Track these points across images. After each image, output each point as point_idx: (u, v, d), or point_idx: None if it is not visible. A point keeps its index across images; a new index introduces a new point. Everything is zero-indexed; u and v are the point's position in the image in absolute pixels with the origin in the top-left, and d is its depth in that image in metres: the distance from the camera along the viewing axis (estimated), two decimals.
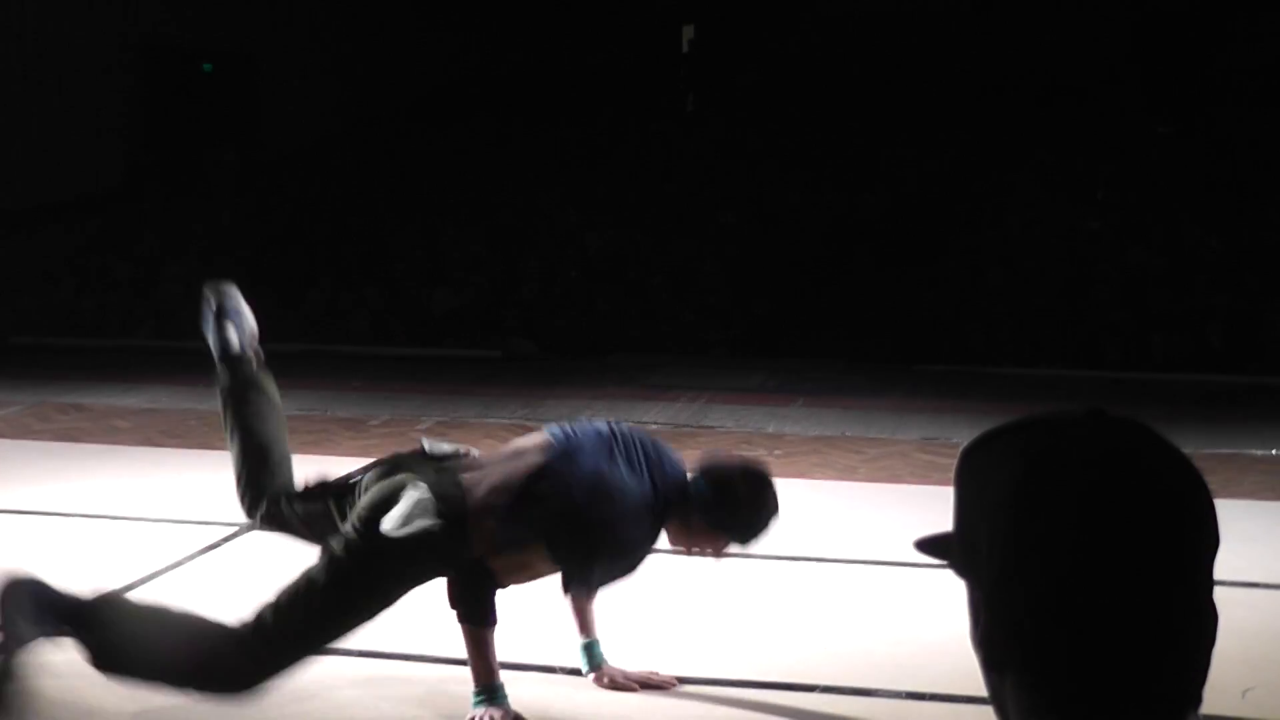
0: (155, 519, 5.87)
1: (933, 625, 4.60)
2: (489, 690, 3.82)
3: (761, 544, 5.53)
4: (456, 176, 10.36)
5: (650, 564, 5.36)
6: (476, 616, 3.79)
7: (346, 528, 3.80)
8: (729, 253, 9.78)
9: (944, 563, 1.37)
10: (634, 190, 10.11)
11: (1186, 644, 1.23)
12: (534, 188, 10.09)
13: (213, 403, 8.36)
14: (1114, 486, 1.23)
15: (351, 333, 9.89)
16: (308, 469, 4.20)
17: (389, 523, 3.74)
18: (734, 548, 3.98)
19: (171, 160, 12.17)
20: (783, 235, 9.84)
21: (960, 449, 1.34)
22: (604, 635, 4.61)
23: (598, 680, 4.17)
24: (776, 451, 7.16)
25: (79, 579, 5.04)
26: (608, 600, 4.96)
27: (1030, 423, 1.30)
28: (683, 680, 4.26)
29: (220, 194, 11.12)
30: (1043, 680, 1.24)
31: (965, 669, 1.52)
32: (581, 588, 4.09)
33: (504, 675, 4.23)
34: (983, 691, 1.33)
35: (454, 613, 3.81)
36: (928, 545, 1.37)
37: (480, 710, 3.80)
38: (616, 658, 4.38)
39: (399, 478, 3.85)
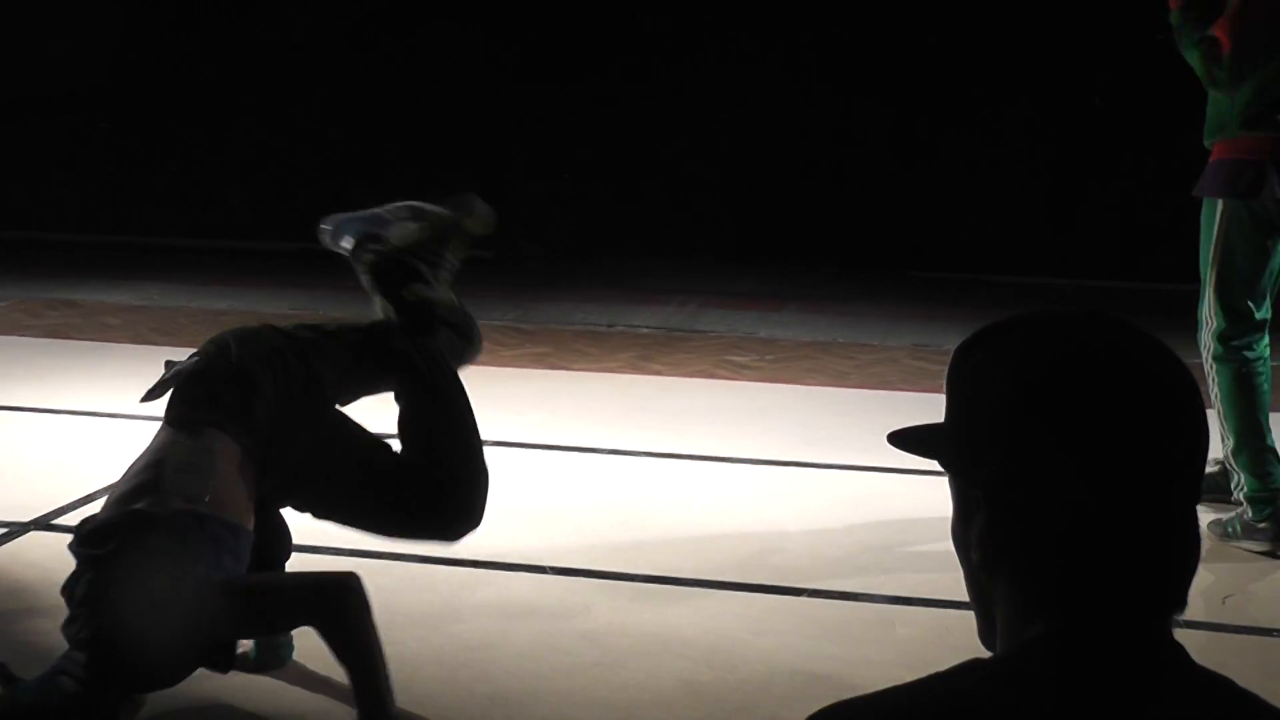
0: (146, 417, 5.86)
1: (920, 531, 4.63)
2: None
3: (750, 448, 5.56)
4: (446, 77, 10.28)
5: (637, 468, 5.39)
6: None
7: None
8: (721, 156, 9.73)
9: (921, 458, 1.35)
10: (625, 92, 10.04)
11: (1179, 548, 1.24)
12: (525, 89, 10.02)
13: (204, 300, 8.39)
14: (1118, 388, 1.23)
15: None
16: None
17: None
18: None
19: (160, 54, 12.06)
20: (776, 139, 9.79)
21: (956, 347, 1.33)
22: (598, 537, 4.63)
23: None
24: (769, 356, 7.17)
25: (72, 476, 5.06)
26: (595, 502, 4.98)
27: (1027, 320, 1.29)
28: (672, 581, 4.29)
29: (211, 89, 11.03)
30: (1037, 579, 1.24)
31: (952, 574, 1.52)
32: None
33: (491, 574, 4.26)
34: (966, 598, 1.34)
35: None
36: (904, 440, 1.34)
37: None
38: (614, 558, 4.41)
39: None
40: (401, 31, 10.22)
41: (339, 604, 3.25)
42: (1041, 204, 9.47)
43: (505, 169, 9.97)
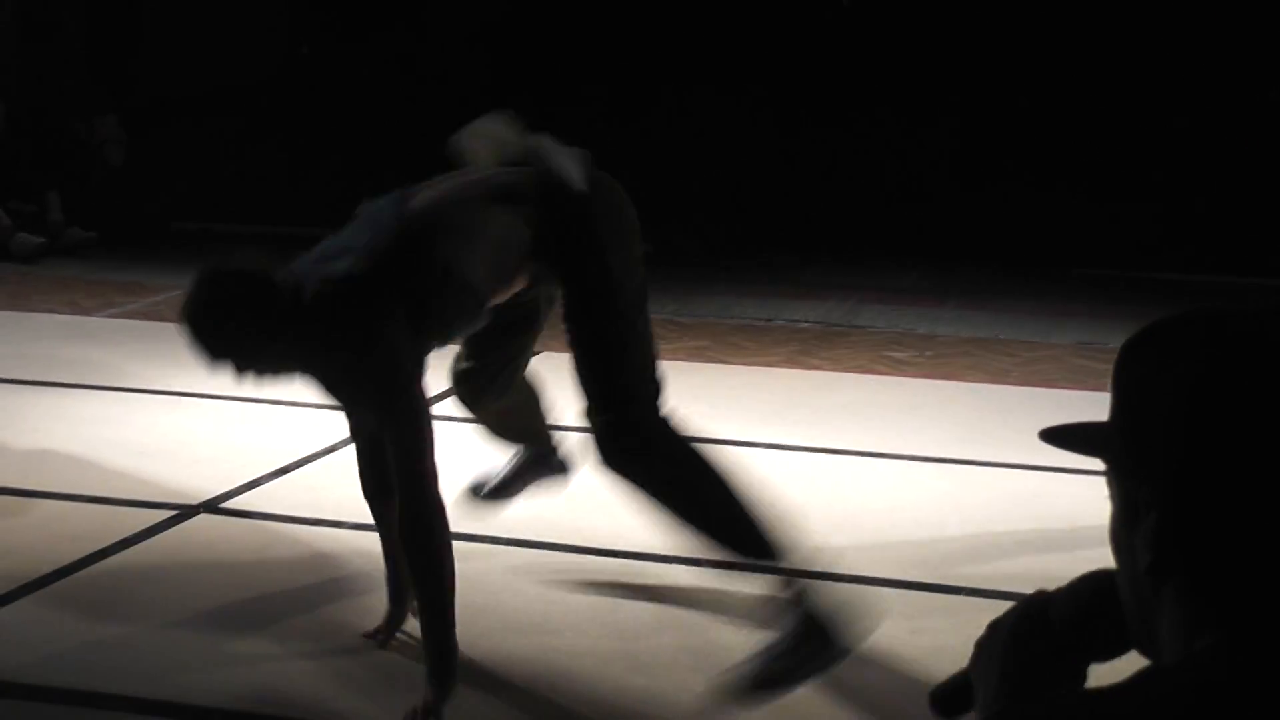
0: (307, 404, 5.97)
1: (1081, 532, 4.55)
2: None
3: (909, 444, 5.51)
4: (605, 75, 10.34)
5: (794, 463, 5.36)
6: None
7: None
8: (882, 150, 9.65)
9: (1082, 456, 1.30)
10: (785, 86, 10.00)
11: None
12: (685, 86, 10.03)
13: None
14: None
15: None
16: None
17: None
18: None
19: (331, 49, 12.27)
20: (938, 133, 9.68)
21: (1124, 342, 1.29)
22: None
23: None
24: (928, 352, 7.10)
25: (239, 460, 5.18)
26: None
27: (1202, 316, 1.25)
28: (829, 577, 4.26)
29: (378, 86, 11.21)
30: (1212, 585, 1.20)
31: None
32: None
33: (647, 566, 4.27)
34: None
35: None
36: (1062, 437, 1.30)
37: None
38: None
39: None
40: (563, 31, 10.30)
41: (418, 519, 3.36)
42: (1210, 200, 9.25)
43: (664, 163, 10.00)
